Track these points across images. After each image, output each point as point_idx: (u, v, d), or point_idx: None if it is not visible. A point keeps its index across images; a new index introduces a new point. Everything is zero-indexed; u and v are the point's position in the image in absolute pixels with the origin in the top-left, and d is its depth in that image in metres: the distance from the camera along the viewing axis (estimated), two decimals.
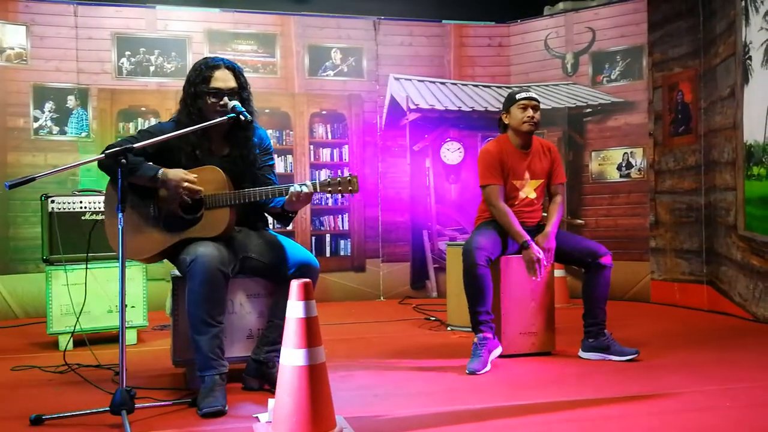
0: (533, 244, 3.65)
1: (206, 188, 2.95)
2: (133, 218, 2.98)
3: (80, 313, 3.66)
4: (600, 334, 3.67)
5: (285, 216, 3.12)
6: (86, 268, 3.75)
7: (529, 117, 3.74)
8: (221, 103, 2.99)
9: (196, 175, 2.94)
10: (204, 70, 3.02)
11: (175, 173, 2.92)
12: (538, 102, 3.79)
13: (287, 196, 2.93)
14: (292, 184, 2.92)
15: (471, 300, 3.58)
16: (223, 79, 3.01)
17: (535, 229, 3.81)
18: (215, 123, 2.96)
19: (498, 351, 3.60)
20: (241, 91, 3.07)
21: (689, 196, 5.60)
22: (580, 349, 3.73)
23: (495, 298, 3.68)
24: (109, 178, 3.05)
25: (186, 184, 2.90)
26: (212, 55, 3.20)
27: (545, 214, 3.94)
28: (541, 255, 3.64)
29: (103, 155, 2.70)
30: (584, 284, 3.76)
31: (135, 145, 2.69)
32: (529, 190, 3.84)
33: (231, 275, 2.95)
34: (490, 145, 3.86)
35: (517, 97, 3.77)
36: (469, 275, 3.55)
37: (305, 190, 2.88)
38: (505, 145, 3.82)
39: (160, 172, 2.91)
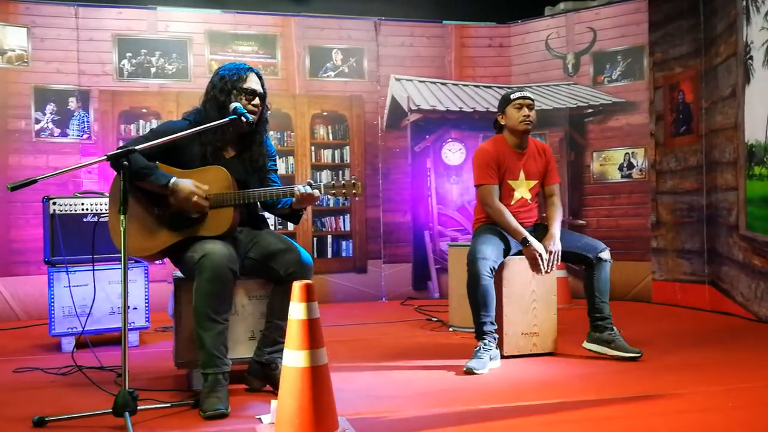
0: (533, 241, 3.65)
1: (212, 187, 2.98)
2: (138, 215, 3.00)
3: (88, 315, 3.66)
4: (608, 328, 3.68)
5: (294, 214, 3.23)
6: (93, 270, 3.74)
7: (525, 116, 3.75)
8: (253, 102, 3.10)
9: (207, 187, 2.96)
10: (238, 70, 3.13)
11: (186, 186, 2.93)
12: (533, 101, 3.82)
13: (296, 197, 3.02)
14: (296, 186, 3.02)
15: (475, 310, 3.58)
16: (256, 82, 3.15)
17: (531, 230, 3.81)
18: (218, 124, 2.99)
19: (497, 363, 3.58)
20: (266, 96, 3.21)
21: (690, 196, 5.60)
22: (585, 340, 3.74)
23: (497, 299, 3.68)
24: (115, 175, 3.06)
25: (195, 199, 2.93)
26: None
27: (544, 215, 3.94)
28: (542, 250, 3.64)
29: (105, 157, 2.71)
30: (585, 280, 3.76)
31: (137, 147, 2.71)
32: (524, 191, 3.85)
33: (238, 274, 2.97)
34: (486, 144, 3.86)
35: (512, 97, 3.80)
36: (473, 286, 3.55)
37: (317, 193, 3.01)
38: (501, 145, 3.83)
39: (172, 181, 2.93)
